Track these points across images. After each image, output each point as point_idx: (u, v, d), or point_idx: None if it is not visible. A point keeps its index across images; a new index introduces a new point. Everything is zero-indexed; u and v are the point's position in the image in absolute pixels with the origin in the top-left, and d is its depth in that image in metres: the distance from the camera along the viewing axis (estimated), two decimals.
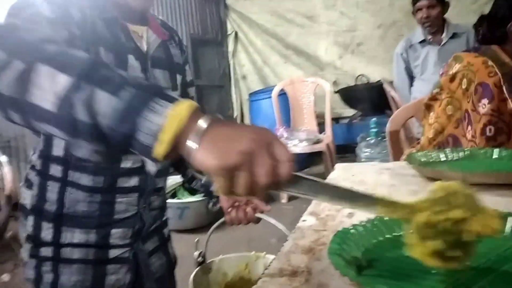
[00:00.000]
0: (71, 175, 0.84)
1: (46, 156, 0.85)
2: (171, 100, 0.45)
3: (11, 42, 0.55)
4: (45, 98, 0.48)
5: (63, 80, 0.47)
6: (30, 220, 0.87)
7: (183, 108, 0.45)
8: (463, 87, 1.16)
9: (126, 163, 0.88)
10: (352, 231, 0.56)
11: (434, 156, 1.03)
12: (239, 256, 1.34)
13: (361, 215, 0.60)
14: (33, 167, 0.87)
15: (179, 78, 0.99)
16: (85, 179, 0.84)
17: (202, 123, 0.44)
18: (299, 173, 0.46)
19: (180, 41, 1.04)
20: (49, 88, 0.48)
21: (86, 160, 0.84)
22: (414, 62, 2.89)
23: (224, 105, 5.30)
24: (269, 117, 3.92)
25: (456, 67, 1.21)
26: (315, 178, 0.47)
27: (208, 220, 2.58)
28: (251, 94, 4.65)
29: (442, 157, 1.03)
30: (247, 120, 5.15)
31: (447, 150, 1.05)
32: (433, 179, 0.86)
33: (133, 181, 0.89)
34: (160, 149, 0.44)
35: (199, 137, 0.44)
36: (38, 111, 0.49)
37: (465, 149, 1.05)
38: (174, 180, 2.57)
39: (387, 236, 0.57)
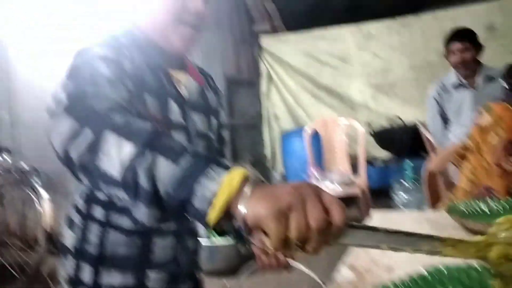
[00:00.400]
0: (113, 217, 0.86)
1: (90, 198, 0.87)
2: (226, 167, 0.48)
3: (81, 111, 0.60)
4: (112, 165, 0.52)
5: (128, 148, 0.52)
6: (70, 260, 0.89)
7: (235, 175, 0.47)
8: (493, 142, 1.14)
9: None
10: None
11: (476, 208, 0.99)
12: None
13: (401, 270, 0.58)
14: (76, 208, 0.89)
15: (214, 121, 1.02)
16: (125, 222, 0.86)
17: (249, 187, 0.46)
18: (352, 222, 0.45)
19: (215, 85, 1.07)
20: (116, 155, 0.52)
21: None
22: (448, 105, 2.81)
23: (257, 144, 5.34)
24: (301, 158, 3.91)
25: (487, 119, 1.19)
26: (371, 225, 0.46)
27: (237, 263, 2.54)
28: (283, 134, 4.68)
29: (484, 208, 0.99)
30: (279, 160, 5.16)
31: (489, 201, 1.01)
32: (476, 232, 0.82)
33: (172, 225, 0.90)
34: (213, 214, 0.47)
35: (248, 199, 0.45)
36: (105, 176, 0.53)
37: (509, 201, 1.01)
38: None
39: None
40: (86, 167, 0.55)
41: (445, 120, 2.86)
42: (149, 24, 0.88)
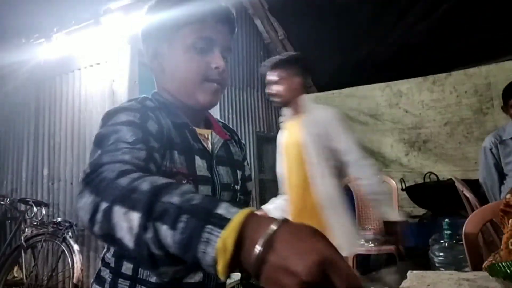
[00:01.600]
0: (141, 273, 0.86)
1: (120, 255, 0.88)
2: (221, 225, 0.48)
3: (97, 183, 0.62)
4: (125, 236, 0.55)
5: (134, 218, 0.54)
6: None
7: (230, 233, 0.47)
8: None
9: None
10: None
11: None
12: None
13: None
14: (106, 265, 0.90)
15: (239, 173, 1.05)
16: (153, 277, 0.86)
17: (271, 228, 0.46)
18: None
19: (239, 140, 1.12)
20: (126, 227, 0.54)
21: None
22: (505, 158, 2.69)
23: None
24: None
25: None
26: None
27: None
28: None
29: None
30: None
31: None
32: None
33: (198, 277, 0.90)
34: (221, 269, 0.47)
35: (267, 243, 0.45)
36: (123, 245, 0.55)
37: None
38: (232, 277, 2.51)
39: None
40: (106, 237, 0.58)
41: (500, 173, 2.74)
42: (175, 85, 0.94)
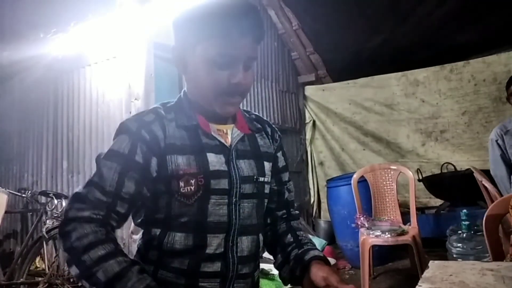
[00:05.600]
0: (164, 259, 0.94)
1: (147, 244, 0.97)
2: None
3: (68, 247, 0.83)
4: None
5: None
6: None
7: None
8: None
9: (210, 249, 0.93)
10: None
11: None
12: None
13: None
14: (138, 250, 0.99)
15: (267, 165, 1.06)
16: (174, 262, 0.93)
17: None
18: None
19: (273, 132, 1.13)
20: None
21: (176, 245, 0.93)
22: (511, 149, 2.69)
23: (302, 190, 5.29)
24: (348, 205, 3.81)
25: None
26: None
27: None
28: (328, 181, 4.61)
29: None
30: (324, 206, 5.05)
31: None
32: None
33: (216, 266, 0.94)
34: None
35: None
36: None
37: None
38: None
39: None
40: None
41: (509, 164, 2.72)
42: (196, 91, 0.98)
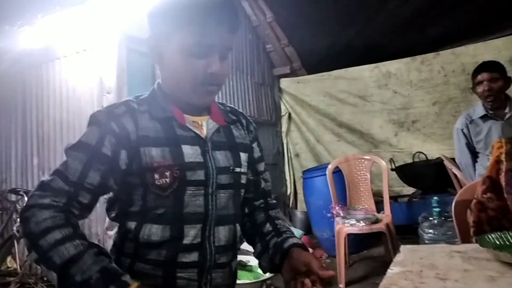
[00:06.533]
0: (141, 251, 0.94)
1: (123, 236, 0.96)
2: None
3: (28, 232, 0.83)
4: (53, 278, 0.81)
5: (54, 278, 0.80)
6: None
7: None
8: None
9: (187, 240, 0.93)
10: None
11: (509, 239, 0.96)
12: None
13: None
14: (114, 244, 0.99)
15: (243, 155, 1.06)
16: (151, 254, 0.93)
17: None
18: None
19: (248, 123, 1.13)
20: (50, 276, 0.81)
21: (153, 237, 0.93)
22: (476, 137, 2.77)
23: (278, 182, 5.33)
24: (323, 195, 3.87)
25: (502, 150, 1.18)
26: None
27: None
28: (304, 172, 4.66)
29: None
30: (301, 197, 5.11)
31: None
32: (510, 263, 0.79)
33: (193, 256, 0.94)
34: None
35: None
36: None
37: None
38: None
39: None
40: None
41: (473, 152, 2.81)
42: (172, 81, 0.97)
